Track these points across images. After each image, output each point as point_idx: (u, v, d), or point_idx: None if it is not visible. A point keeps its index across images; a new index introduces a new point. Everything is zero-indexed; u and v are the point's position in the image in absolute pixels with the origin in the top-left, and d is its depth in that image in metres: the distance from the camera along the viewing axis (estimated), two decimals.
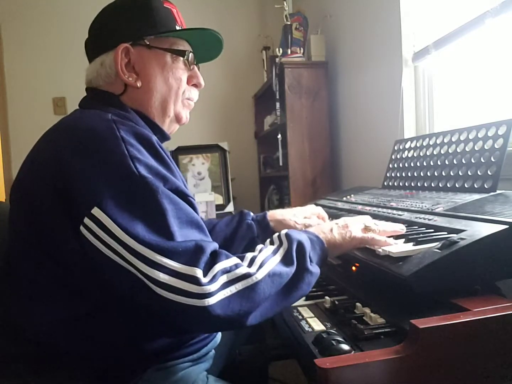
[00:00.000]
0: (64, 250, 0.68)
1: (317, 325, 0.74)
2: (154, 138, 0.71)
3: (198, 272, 0.60)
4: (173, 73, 0.84)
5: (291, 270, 0.68)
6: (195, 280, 0.59)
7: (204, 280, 0.60)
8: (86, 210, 0.62)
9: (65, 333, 0.69)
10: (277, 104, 2.28)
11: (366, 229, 0.83)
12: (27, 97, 2.78)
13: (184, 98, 0.88)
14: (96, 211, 0.62)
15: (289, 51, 2.27)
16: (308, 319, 0.77)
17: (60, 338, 0.69)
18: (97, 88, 0.84)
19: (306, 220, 1.10)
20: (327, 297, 0.83)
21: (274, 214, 1.11)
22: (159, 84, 0.83)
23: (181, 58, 0.85)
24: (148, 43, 0.82)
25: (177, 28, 0.85)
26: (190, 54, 0.86)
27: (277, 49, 2.34)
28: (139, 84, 0.82)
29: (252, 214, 1.11)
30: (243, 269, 0.64)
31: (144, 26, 0.82)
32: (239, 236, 1.06)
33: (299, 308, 0.83)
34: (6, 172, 2.69)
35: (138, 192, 0.64)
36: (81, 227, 0.63)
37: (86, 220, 0.62)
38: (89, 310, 0.69)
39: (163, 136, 0.87)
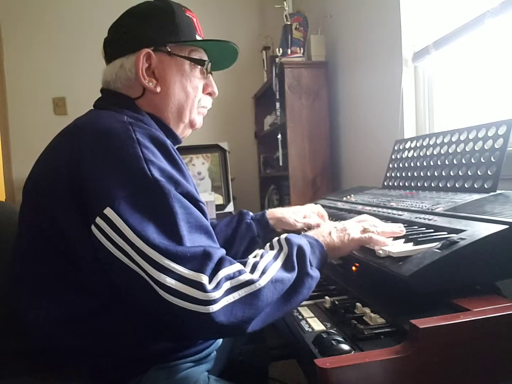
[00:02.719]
0: (75, 248, 0.68)
1: (317, 325, 0.74)
2: (169, 142, 0.72)
3: (204, 279, 0.60)
4: (191, 82, 0.86)
5: (293, 275, 0.68)
6: (201, 286, 0.59)
7: (209, 286, 0.60)
8: (99, 209, 0.63)
9: (70, 331, 0.69)
10: (277, 104, 2.28)
11: (365, 231, 0.83)
12: (27, 97, 2.78)
13: (199, 106, 0.90)
14: (108, 211, 0.62)
15: (289, 51, 2.27)
16: (308, 319, 0.77)
17: (65, 336, 0.69)
18: (114, 90, 0.84)
19: (306, 219, 1.10)
20: (327, 297, 0.83)
21: (274, 212, 1.11)
22: (177, 90, 0.85)
23: (199, 67, 0.87)
24: (169, 50, 0.83)
25: (197, 37, 0.87)
26: (208, 64, 0.88)
27: (277, 49, 2.34)
28: (158, 89, 0.83)
29: (251, 213, 1.12)
30: (246, 276, 0.64)
31: (167, 33, 0.83)
32: (239, 236, 1.07)
33: (299, 308, 0.83)
34: (6, 172, 2.69)
35: (151, 194, 0.64)
36: (92, 227, 0.63)
37: (98, 220, 0.63)
38: (95, 309, 0.69)
39: (176, 140, 0.88)
